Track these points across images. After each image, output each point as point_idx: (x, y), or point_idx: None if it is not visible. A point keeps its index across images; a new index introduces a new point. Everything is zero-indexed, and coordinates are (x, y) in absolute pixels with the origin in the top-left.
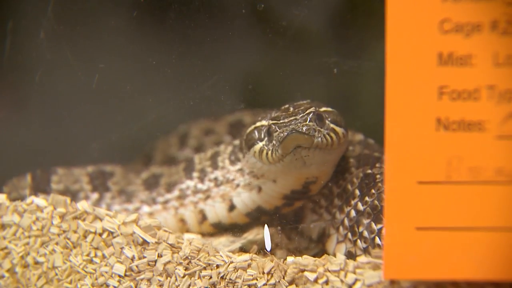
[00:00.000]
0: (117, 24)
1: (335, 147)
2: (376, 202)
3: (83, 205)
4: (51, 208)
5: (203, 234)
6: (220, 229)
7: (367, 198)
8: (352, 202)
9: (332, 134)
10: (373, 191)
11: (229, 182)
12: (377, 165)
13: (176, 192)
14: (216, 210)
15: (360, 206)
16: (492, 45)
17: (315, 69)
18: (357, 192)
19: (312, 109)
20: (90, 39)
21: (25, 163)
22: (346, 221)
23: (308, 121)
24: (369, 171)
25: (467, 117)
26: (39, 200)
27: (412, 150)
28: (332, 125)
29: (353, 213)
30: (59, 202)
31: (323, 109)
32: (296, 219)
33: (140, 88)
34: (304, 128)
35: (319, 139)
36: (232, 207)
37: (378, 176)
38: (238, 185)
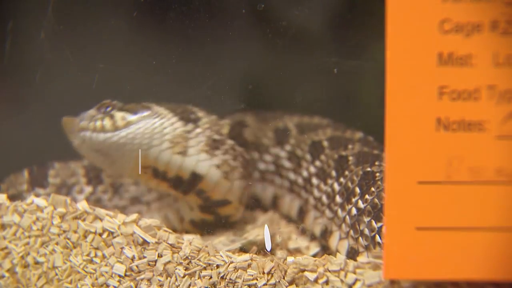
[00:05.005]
0: (117, 24)
1: (109, 130)
2: (376, 200)
3: (83, 205)
4: (51, 208)
5: (202, 234)
6: (197, 227)
7: (367, 196)
8: (353, 200)
9: (107, 118)
10: (373, 189)
11: None
12: (377, 163)
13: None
14: (184, 209)
15: (361, 204)
16: (492, 45)
17: (315, 69)
18: (357, 190)
19: (104, 101)
20: (90, 39)
21: (25, 163)
22: (347, 219)
23: (91, 110)
24: (369, 169)
25: (467, 117)
26: (39, 200)
27: (412, 150)
28: (113, 112)
29: (354, 210)
30: (59, 202)
31: (144, 103)
32: (299, 216)
33: (140, 88)
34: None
35: (84, 122)
36: (191, 207)
37: (377, 174)
38: None
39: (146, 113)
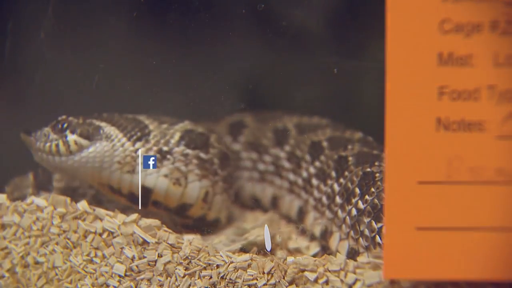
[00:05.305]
0: (117, 24)
1: (64, 154)
2: (376, 200)
3: (83, 205)
4: (51, 208)
5: (202, 233)
6: (190, 228)
7: (367, 197)
8: (353, 201)
9: (61, 142)
10: (372, 189)
11: None
12: (376, 163)
13: None
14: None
15: (361, 205)
16: (492, 45)
17: (315, 69)
18: (357, 190)
19: (60, 118)
20: (90, 39)
21: (25, 163)
22: (347, 219)
23: (47, 127)
24: (369, 169)
25: (467, 117)
26: (39, 200)
27: (412, 150)
28: (67, 134)
29: (354, 211)
30: (59, 202)
31: (96, 123)
32: (299, 216)
33: (140, 88)
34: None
35: (40, 143)
36: None
37: (377, 174)
38: None
39: (97, 136)
